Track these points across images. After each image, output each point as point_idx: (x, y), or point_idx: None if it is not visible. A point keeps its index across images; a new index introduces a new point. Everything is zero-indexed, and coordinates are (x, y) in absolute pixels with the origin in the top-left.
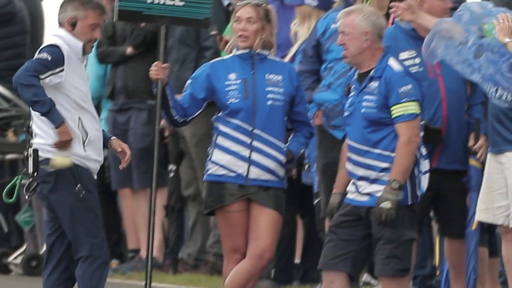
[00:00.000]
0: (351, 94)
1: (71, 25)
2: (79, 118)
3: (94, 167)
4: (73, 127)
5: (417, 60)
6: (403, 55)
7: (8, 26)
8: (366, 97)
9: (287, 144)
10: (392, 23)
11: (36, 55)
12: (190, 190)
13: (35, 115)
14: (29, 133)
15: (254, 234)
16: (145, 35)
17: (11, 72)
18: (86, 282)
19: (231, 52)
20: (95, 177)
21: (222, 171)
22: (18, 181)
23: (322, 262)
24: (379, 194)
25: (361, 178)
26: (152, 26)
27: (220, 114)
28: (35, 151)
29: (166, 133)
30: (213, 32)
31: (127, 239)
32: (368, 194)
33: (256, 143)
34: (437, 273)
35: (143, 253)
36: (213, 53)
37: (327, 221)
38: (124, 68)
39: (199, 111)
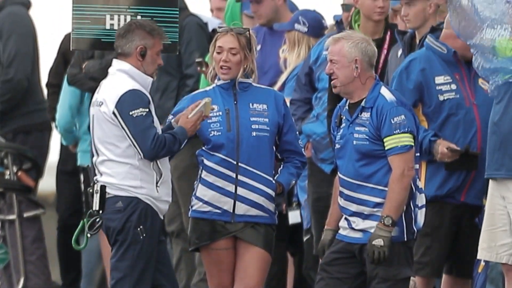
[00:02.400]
0: (342, 125)
1: (141, 55)
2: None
3: (164, 208)
4: (147, 167)
5: (454, 86)
6: (439, 79)
7: None
8: (358, 128)
9: (277, 176)
10: (388, 49)
11: (125, 111)
12: (173, 226)
13: (105, 155)
14: (3, 165)
15: (240, 273)
16: None
17: None
18: None
19: (212, 80)
20: (162, 217)
21: (207, 208)
22: (85, 225)
23: None
24: (373, 230)
25: (353, 214)
26: None
27: (204, 147)
28: (103, 188)
29: None
30: (197, 59)
31: (107, 277)
32: (361, 230)
33: (241, 177)
34: None
35: None
36: (195, 82)
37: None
38: None
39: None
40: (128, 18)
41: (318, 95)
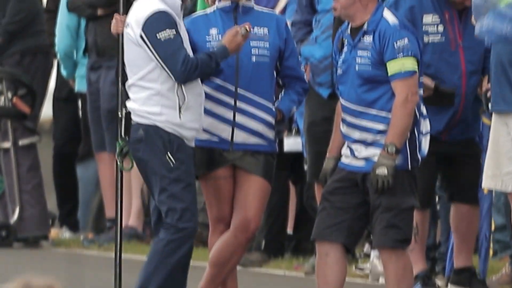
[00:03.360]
0: (344, 50)
1: None
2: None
3: (190, 135)
4: (170, 91)
5: (440, 28)
6: (427, 18)
7: None
8: (360, 53)
9: (277, 103)
10: None
11: (152, 34)
12: None
13: (131, 79)
14: None
15: (238, 203)
16: None
17: None
18: (158, 252)
19: (212, 2)
20: (192, 144)
21: (205, 136)
22: (119, 147)
23: (315, 232)
24: (376, 158)
25: (356, 141)
26: None
27: None
28: (128, 114)
29: None
30: None
31: (104, 207)
32: (364, 158)
33: (240, 104)
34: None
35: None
36: (193, 5)
37: (317, 187)
38: (94, 24)
39: None
40: None
41: (317, 18)
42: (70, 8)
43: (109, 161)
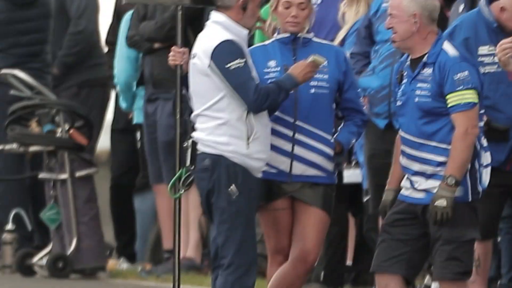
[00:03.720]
0: (404, 82)
1: (243, 8)
2: (247, 111)
3: (257, 166)
4: (238, 121)
5: (497, 59)
6: (483, 49)
7: (29, 9)
8: (420, 85)
9: (336, 135)
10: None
11: (222, 63)
12: None
13: (198, 109)
14: (55, 123)
15: (297, 235)
16: (170, 27)
17: (31, 59)
18: None
19: (271, 34)
20: (259, 175)
21: (264, 167)
22: (182, 174)
23: (375, 264)
24: (436, 191)
25: (416, 173)
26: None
27: None
28: (194, 144)
29: None
30: None
31: (162, 239)
32: (424, 190)
33: (299, 136)
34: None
35: (181, 254)
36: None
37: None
38: (150, 56)
39: None
40: None
41: (375, 48)
42: (129, 44)
43: (167, 193)
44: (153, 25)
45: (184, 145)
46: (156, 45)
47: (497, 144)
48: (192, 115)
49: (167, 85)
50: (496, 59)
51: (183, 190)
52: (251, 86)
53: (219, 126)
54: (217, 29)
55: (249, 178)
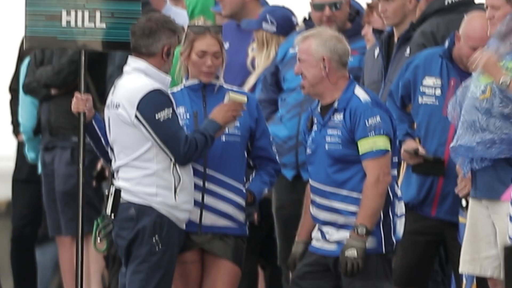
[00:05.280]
0: (314, 129)
1: (167, 55)
2: (173, 162)
3: (183, 217)
4: (165, 171)
5: (438, 92)
6: (429, 80)
7: None
8: (330, 131)
9: (248, 185)
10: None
11: (149, 114)
12: None
13: (121, 159)
14: None
15: None
16: (68, 72)
17: None
18: None
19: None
20: (183, 227)
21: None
22: (99, 225)
23: None
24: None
25: (327, 224)
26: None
27: None
28: (117, 192)
29: (107, 173)
30: None
31: None
32: (336, 241)
33: (209, 185)
34: None
35: None
36: None
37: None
38: (47, 103)
39: None
40: (86, 14)
41: (282, 96)
42: (26, 91)
43: (68, 245)
44: (50, 70)
45: (106, 193)
46: (53, 91)
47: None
48: (115, 165)
49: (64, 133)
50: (437, 93)
51: (99, 240)
52: (181, 138)
53: (147, 176)
54: (139, 77)
55: (174, 231)
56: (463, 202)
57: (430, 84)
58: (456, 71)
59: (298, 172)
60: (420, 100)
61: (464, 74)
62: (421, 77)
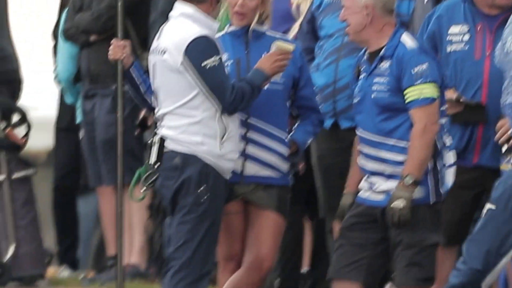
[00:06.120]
0: (361, 77)
1: (217, 1)
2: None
3: (228, 167)
4: (212, 120)
5: (466, 37)
6: (454, 29)
7: None
8: (377, 79)
9: (291, 134)
10: None
11: (197, 61)
12: None
13: (166, 107)
14: None
15: (251, 240)
16: (107, 17)
17: None
18: None
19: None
20: (228, 177)
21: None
22: (142, 173)
23: (332, 271)
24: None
25: (374, 174)
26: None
27: None
28: (162, 140)
29: (150, 122)
30: None
31: (106, 244)
32: (383, 192)
33: (251, 134)
34: None
35: (125, 260)
36: None
37: (335, 223)
38: (87, 50)
39: None
40: None
41: (320, 44)
42: (65, 37)
43: (110, 195)
44: (89, 16)
45: (148, 142)
46: (93, 38)
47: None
48: (158, 113)
49: (105, 80)
50: (465, 38)
51: (145, 189)
52: (227, 86)
53: (192, 124)
54: (187, 22)
55: (219, 180)
56: (504, 148)
57: (456, 31)
58: (480, 15)
59: (336, 121)
60: (448, 49)
61: (489, 18)
62: (446, 27)
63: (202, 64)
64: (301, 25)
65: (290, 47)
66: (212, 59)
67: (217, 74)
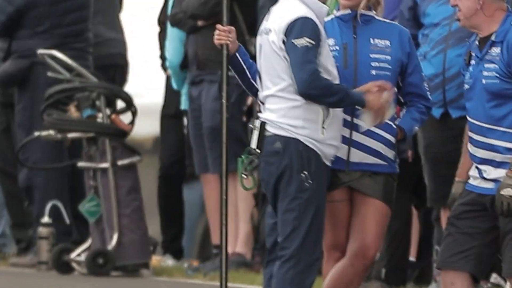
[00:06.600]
0: (471, 63)
1: None
2: None
3: (330, 153)
4: (314, 104)
5: None
6: None
7: None
8: (487, 65)
9: (398, 121)
10: None
11: (290, 38)
12: None
13: (269, 89)
14: (95, 107)
15: (356, 228)
16: (215, 2)
17: (75, 38)
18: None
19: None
20: (329, 163)
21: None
22: (244, 160)
23: (440, 260)
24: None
25: (484, 161)
26: None
27: None
28: (263, 124)
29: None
30: None
31: (210, 233)
32: (493, 180)
33: (358, 121)
34: None
35: (230, 249)
36: None
37: (443, 212)
38: (194, 36)
39: None
40: None
41: (424, 32)
42: (172, 22)
43: (215, 183)
44: (197, 0)
45: (250, 126)
46: (200, 23)
47: None
48: (262, 95)
49: (212, 66)
50: None
51: (244, 176)
52: (310, 68)
53: (294, 108)
54: (295, 3)
55: (322, 165)
56: None
57: None
58: None
59: (446, 110)
60: None
61: None
62: None
63: (293, 41)
64: (401, 11)
65: (390, 114)
66: (305, 40)
67: (303, 53)
